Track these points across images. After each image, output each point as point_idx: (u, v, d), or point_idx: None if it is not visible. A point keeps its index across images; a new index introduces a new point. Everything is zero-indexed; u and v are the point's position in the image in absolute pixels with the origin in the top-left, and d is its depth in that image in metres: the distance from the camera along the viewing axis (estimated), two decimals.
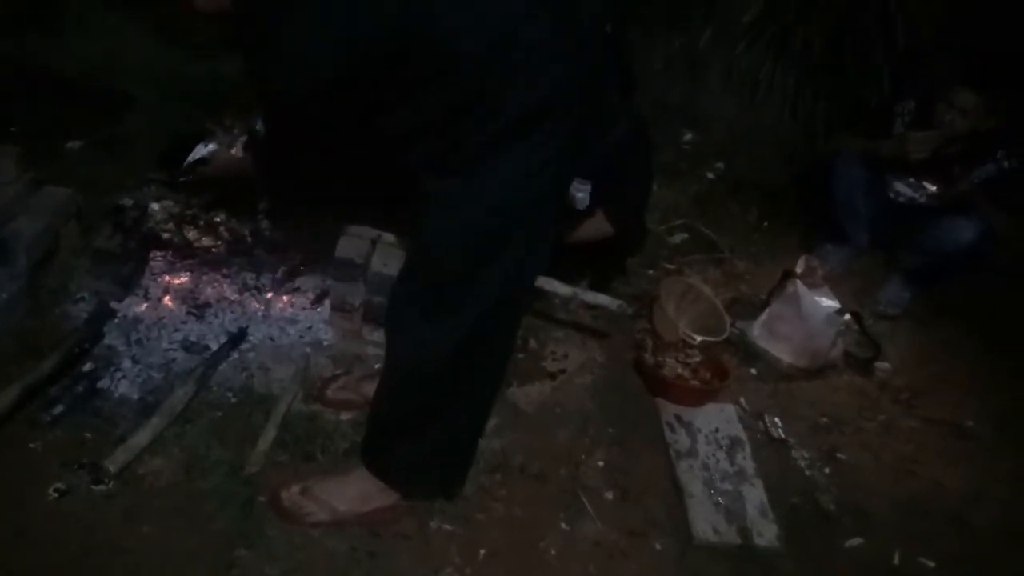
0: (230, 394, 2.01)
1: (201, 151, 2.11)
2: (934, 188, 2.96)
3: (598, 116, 1.52)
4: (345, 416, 2.01)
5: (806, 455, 2.24)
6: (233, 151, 2.10)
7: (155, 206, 2.18)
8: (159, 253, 2.28)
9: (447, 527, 1.80)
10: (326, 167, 2.07)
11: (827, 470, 2.21)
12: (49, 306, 2.14)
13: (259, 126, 2.03)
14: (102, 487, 1.70)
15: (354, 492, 1.75)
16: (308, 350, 2.20)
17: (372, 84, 1.36)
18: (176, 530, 1.67)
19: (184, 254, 2.25)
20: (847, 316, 2.64)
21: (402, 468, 1.74)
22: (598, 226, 2.40)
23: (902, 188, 3.02)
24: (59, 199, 2.27)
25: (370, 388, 1.93)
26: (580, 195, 2.18)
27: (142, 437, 1.79)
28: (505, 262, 1.46)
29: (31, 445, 1.77)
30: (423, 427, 1.66)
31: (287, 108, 1.56)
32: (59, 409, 1.85)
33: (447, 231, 1.47)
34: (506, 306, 1.55)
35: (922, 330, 2.94)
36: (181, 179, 2.17)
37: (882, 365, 2.67)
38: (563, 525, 1.89)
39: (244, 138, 2.09)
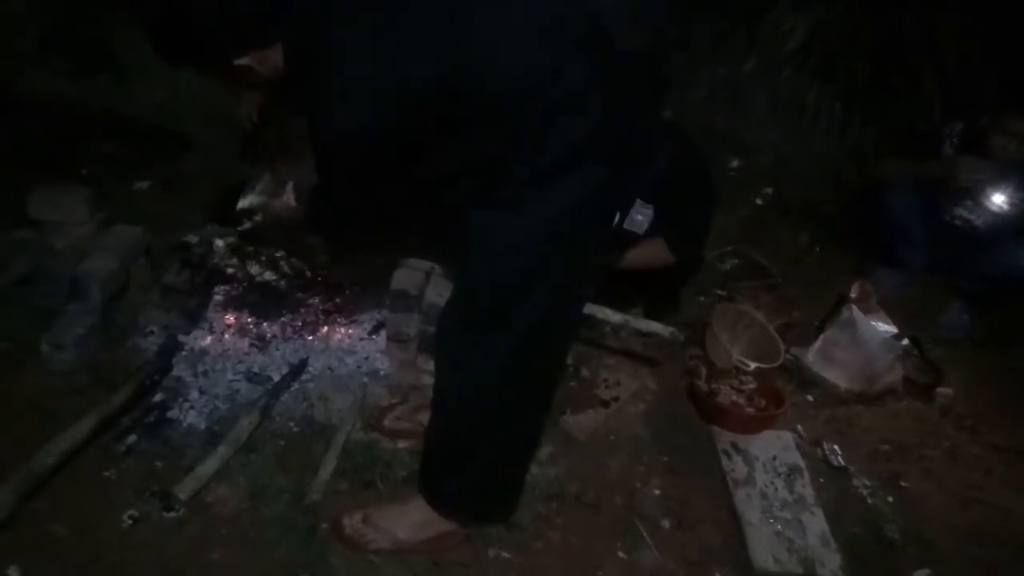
0: (292, 423, 2.07)
1: (247, 200, 2.18)
2: (995, 210, 2.91)
3: (644, 145, 1.54)
4: (402, 444, 2.05)
5: (867, 483, 2.20)
6: (285, 199, 2.16)
7: (219, 242, 2.26)
8: (223, 288, 2.36)
9: (505, 555, 1.81)
10: (374, 206, 2.11)
11: (890, 498, 2.16)
12: (121, 340, 2.24)
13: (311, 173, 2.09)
14: (173, 514, 1.76)
15: (414, 519, 1.77)
16: (366, 380, 2.24)
17: (417, 131, 1.38)
18: (242, 558, 1.71)
19: (247, 288, 2.33)
20: (905, 341, 2.59)
21: (452, 495, 1.75)
22: (657, 253, 2.40)
23: (959, 211, 2.98)
24: (130, 237, 2.37)
25: (426, 417, 1.96)
26: (640, 218, 2.18)
27: (209, 466, 1.85)
28: (550, 291, 1.48)
29: (105, 473, 1.85)
30: (472, 453, 1.68)
31: (336, 155, 1.58)
32: (132, 439, 1.92)
33: (492, 260, 1.49)
34: (552, 333, 1.57)
35: (982, 354, 2.88)
36: (239, 229, 2.25)
37: (943, 390, 2.61)
38: (620, 554, 1.88)
39: (292, 183, 2.14)
